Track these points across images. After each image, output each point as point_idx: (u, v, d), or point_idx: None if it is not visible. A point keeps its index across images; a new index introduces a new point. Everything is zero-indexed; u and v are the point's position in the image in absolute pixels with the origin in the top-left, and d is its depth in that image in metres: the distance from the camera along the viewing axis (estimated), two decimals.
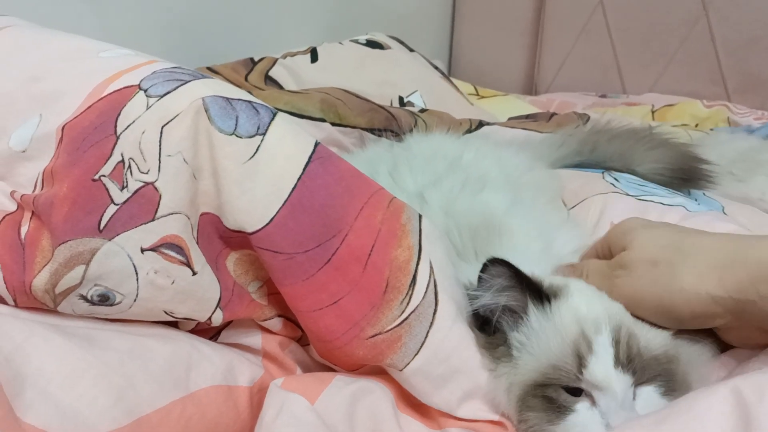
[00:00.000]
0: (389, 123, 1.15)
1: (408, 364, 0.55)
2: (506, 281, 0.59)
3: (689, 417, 0.44)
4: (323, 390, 0.56)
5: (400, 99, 1.42)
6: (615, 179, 0.99)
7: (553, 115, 1.39)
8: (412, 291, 0.56)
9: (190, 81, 0.57)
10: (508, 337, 0.59)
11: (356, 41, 1.55)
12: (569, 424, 0.55)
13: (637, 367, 0.56)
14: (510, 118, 1.41)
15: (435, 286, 0.57)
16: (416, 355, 0.55)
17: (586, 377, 0.55)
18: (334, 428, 0.54)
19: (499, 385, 0.58)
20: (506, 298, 0.60)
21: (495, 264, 0.59)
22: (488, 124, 1.25)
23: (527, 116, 1.41)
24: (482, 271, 0.59)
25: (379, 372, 0.60)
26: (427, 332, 0.56)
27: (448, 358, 0.56)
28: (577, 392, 0.56)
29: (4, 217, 0.57)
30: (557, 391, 0.56)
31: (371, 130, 1.13)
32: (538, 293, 0.60)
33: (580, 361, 0.56)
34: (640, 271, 0.60)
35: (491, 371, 0.59)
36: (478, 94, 1.89)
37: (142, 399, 0.52)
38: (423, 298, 0.56)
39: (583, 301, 0.60)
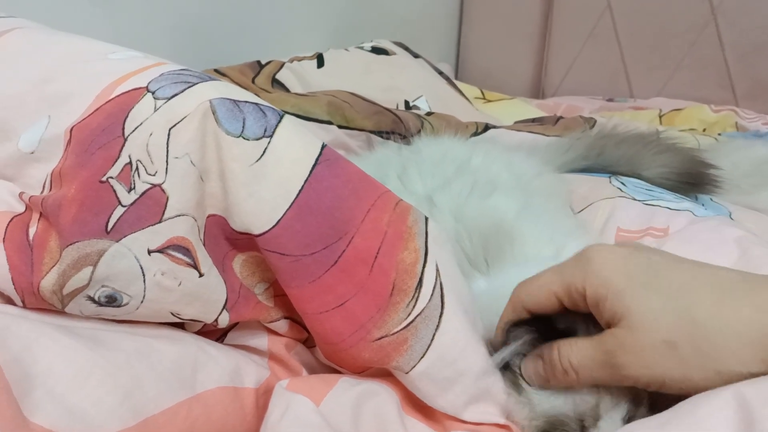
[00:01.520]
0: (396, 126, 1.15)
1: (414, 366, 0.55)
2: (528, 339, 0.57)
3: (692, 421, 0.44)
4: (328, 391, 0.56)
5: (406, 103, 1.43)
6: (622, 183, 0.99)
7: (559, 118, 1.39)
8: (419, 294, 0.56)
9: (197, 83, 0.57)
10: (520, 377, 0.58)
11: (361, 48, 1.56)
12: None
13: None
14: (516, 122, 1.41)
15: (441, 288, 0.57)
16: (422, 357, 0.55)
17: None
18: (339, 430, 0.54)
19: (520, 411, 0.58)
20: (526, 349, 0.58)
21: (517, 327, 0.57)
22: (494, 127, 1.25)
23: (533, 120, 1.42)
24: (504, 338, 0.58)
25: (384, 374, 0.60)
26: (434, 335, 0.56)
27: (454, 361, 0.56)
28: None
29: (12, 219, 0.57)
30: None
31: (378, 133, 1.13)
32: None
33: (583, 429, 0.55)
34: (655, 356, 0.49)
35: (509, 395, 0.58)
36: (484, 98, 1.89)
37: (149, 399, 0.52)
38: (429, 300, 0.56)
39: None
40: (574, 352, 0.53)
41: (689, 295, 0.49)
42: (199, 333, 0.62)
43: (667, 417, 0.46)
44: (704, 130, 1.65)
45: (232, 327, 0.64)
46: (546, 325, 0.57)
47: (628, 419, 0.54)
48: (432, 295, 0.57)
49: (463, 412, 0.56)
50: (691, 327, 0.48)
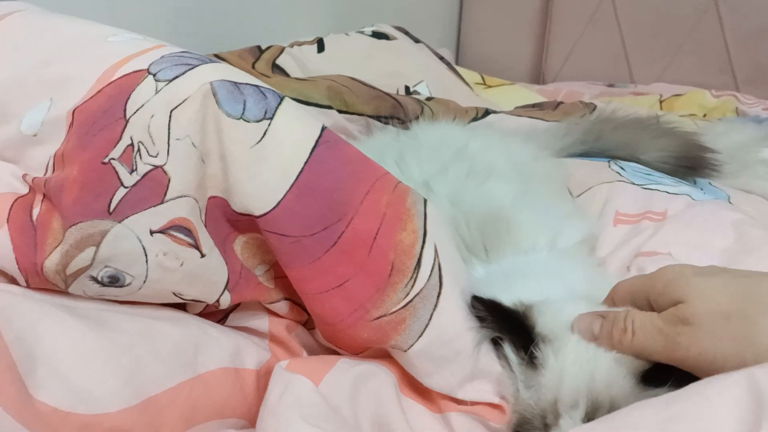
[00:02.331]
0: (396, 110, 1.15)
1: (412, 345, 0.56)
2: (492, 320, 0.59)
3: (700, 399, 0.44)
4: (328, 372, 0.57)
5: (407, 88, 1.43)
6: (621, 168, 0.99)
7: (559, 104, 1.39)
8: (417, 274, 0.57)
9: (198, 65, 0.58)
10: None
11: (362, 32, 1.55)
12: None
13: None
14: (516, 107, 1.41)
15: (439, 269, 0.58)
16: (420, 336, 0.56)
17: None
18: (338, 409, 0.55)
19: (509, 386, 0.59)
20: (489, 332, 0.59)
21: (481, 302, 0.58)
22: (494, 112, 1.25)
23: (533, 105, 1.41)
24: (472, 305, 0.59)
25: (382, 355, 0.61)
26: (431, 315, 0.57)
27: (451, 340, 0.57)
28: None
29: (16, 200, 0.58)
30: None
31: (377, 118, 1.13)
32: (522, 337, 0.58)
33: (546, 428, 0.56)
34: (710, 326, 0.50)
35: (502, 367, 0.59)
36: (485, 83, 1.89)
37: (151, 380, 0.53)
38: (427, 281, 0.57)
39: (571, 363, 0.56)
40: (640, 316, 0.55)
41: (750, 278, 0.52)
42: (201, 314, 0.63)
43: (676, 395, 0.45)
44: (704, 115, 1.65)
45: (233, 309, 0.65)
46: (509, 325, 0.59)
47: (587, 420, 0.54)
48: (430, 275, 0.57)
49: (458, 390, 0.57)
50: (745, 301, 0.49)
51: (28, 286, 0.56)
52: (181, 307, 0.61)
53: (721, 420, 0.42)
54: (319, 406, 0.54)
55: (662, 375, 0.53)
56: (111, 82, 0.58)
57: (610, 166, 1.00)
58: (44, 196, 0.57)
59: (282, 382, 0.55)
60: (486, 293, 0.60)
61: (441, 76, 1.57)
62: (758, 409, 0.42)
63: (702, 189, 0.97)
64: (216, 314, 0.63)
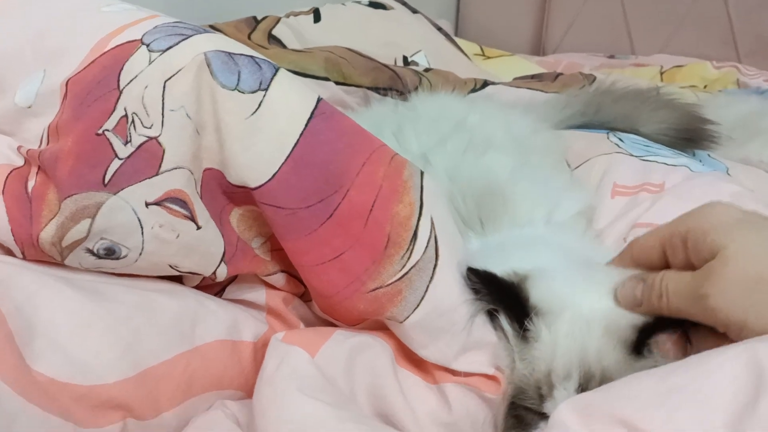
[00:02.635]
0: (394, 82, 1.14)
1: (408, 317, 0.56)
2: (487, 293, 0.59)
3: (699, 371, 0.44)
4: (323, 343, 0.57)
5: (404, 59, 1.42)
6: (619, 139, 0.99)
7: (558, 75, 1.38)
8: (413, 246, 0.57)
9: (192, 35, 0.57)
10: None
11: (358, 2, 1.53)
12: None
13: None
14: (515, 78, 1.40)
15: (436, 241, 0.58)
16: (416, 308, 0.56)
17: (546, 409, 0.56)
18: (334, 381, 0.56)
19: (504, 357, 0.59)
20: (485, 304, 0.59)
21: (475, 274, 0.59)
22: (493, 83, 1.25)
23: (532, 76, 1.41)
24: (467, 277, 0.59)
25: (378, 327, 0.61)
26: (427, 286, 0.57)
27: (447, 312, 0.57)
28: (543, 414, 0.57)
29: (11, 172, 0.58)
30: (524, 410, 0.58)
31: (375, 90, 1.12)
32: (517, 309, 0.59)
33: (541, 398, 0.57)
34: (743, 290, 0.48)
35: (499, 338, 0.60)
36: (484, 55, 1.87)
37: (149, 352, 0.53)
38: (423, 253, 0.57)
39: (564, 335, 0.57)
40: (674, 279, 0.54)
41: None
42: (198, 287, 0.63)
43: (675, 366, 0.46)
44: (705, 87, 1.64)
45: (230, 282, 0.65)
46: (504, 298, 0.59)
47: (581, 390, 0.55)
48: (426, 247, 0.57)
49: (453, 361, 0.57)
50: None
51: (25, 258, 0.56)
52: (178, 280, 0.61)
53: (721, 393, 0.42)
54: (315, 378, 0.54)
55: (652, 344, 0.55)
56: (104, 53, 0.57)
57: (608, 138, 0.99)
58: (39, 168, 0.57)
59: (278, 353, 0.55)
60: (481, 265, 0.60)
61: (439, 46, 1.56)
62: (758, 383, 0.42)
63: (701, 161, 0.96)
64: (213, 287, 0.64)
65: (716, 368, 0.43)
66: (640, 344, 0.56)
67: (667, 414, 0.42)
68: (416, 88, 1.14)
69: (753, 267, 0.48)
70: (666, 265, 0.57)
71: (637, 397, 0.44)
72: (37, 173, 0.57)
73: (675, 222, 0.56)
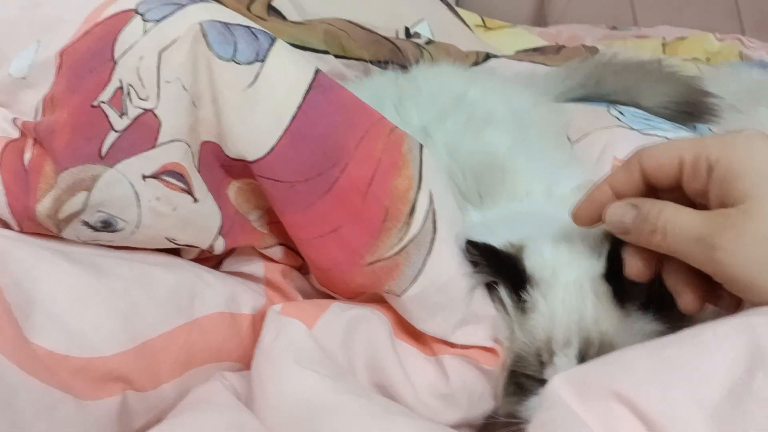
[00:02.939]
0: (394, 55, 1.13)
1: (405, 290, 0.56)
2: (486, 265, 0.59)
3: (695, 345, 0.44)
4: (321, 316, 0.58)
5: (406, 30, 1.40)
6: (620, 113, 0.98)
7: (561, 48, 1.37)
8: (411, 220, 0.57)
9: (187, 5, 0.56)
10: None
11: None
12: (531, 403, 0.58)
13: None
14: (518, 51, 1.39)
15: (434, 215, 0.58)
16: (414, 282, 0.56)
17: (547, 376, 0.57)
18: (332, 353, 0.56)
19: (503, 329, 0.60)
20: (484, 277, 0.59)
21: (474, 246, 0.59)
22: (495, 56, 1.23)
23: (535, 49, 1.39)
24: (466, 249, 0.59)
25: (376, 299, 0.62)
26: (425, 260, 0.57)
27: (444, 285, 0.57)
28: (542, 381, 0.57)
29: (7, 144, 0.57)
30: (525, 378, 0.59)
31: (376, 63, 1.11)
32: (515, 280, 0.59)
33: (541, 365, 0.58)
34: (758, 249, 0.44)
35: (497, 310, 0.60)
36: (485, 26, 1.85)
37: (147, 324, 0.53)
38: (422, 227, 0.57)
39: (560, 302, 0.57)
40: (679, 220, 0.49)
41: None
42: (196, 260, 0.63)
43: (671, 340, 0.45)
44: (708, 59, 1.62)
45: (228, 254, 0.65)
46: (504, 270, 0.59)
47: (581, 358, 0.56)
48: (424, 221, 0.57)
49: (451, 335, 0.58)
50: None
51: (22, 231, 0.56)
52: (176, 252, 0.61)
53: (717, 371, 0.42)
54: (313, 350, 0.54)
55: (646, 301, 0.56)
56: (98, 23, 0.56)
57: (609, 111, 0.98)
58: (35, 140, 0.57)
59: (275, 325, 0.55)
60: (480, 238, 0.60)
61: (441, 17, 1.54)
62: (754, 359, 0.41)
63: (701, 135, 0.96)
64: (210, 260, 0.64)
65: (713, 345, 0.43)
66: (619, 296, 0.57)
67: (662, 388, 0.42)
68: (417, 62, 1.13)
69: None
70: (673, 187, 0.52)
71: (633, 372, 0.44)
72: (33, 146, 0.57)
73: (703, 143, 0.49)
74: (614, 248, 0.57)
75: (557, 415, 0.43)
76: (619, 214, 0.53)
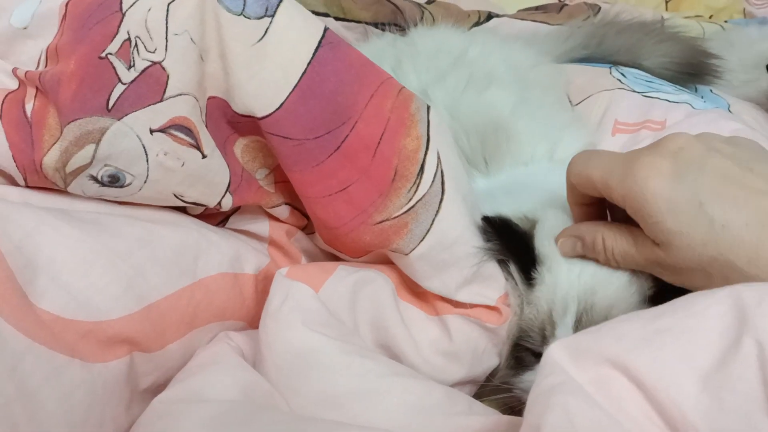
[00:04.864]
0: (394, 16, 1.12)
1: (413, 249, 0.57)
2: (499, 242, 0.60)
3: (686, 314, 0.45)
4: (327, 279, 0.58)
5: None
6: (622, 74, 0.98)
7: (563, 5, 1.35)
8: (420, 180, 0.57)
9: None
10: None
11: None
12: (527, 376, 0.60)
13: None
14: (520, 10, 1.37)
15: (442, 175, 0.58)
16: (422, 241, 0.57)
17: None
18: (338, 315, 0.57)
19: (515, 297, 0.61)
20: (498, 254, 0.60)
21: (490, 223, 0.60)
22: (497, 15, 1.22)
23: (537, 8, 1.37)
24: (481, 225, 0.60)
25: (380, 261, 0.62)
26: (433, 220, 0.57)
27: (451, 245, 0.57)
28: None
29: (6, 95, 0.56)
30: (525, 351, 0.60)
31: (375, 25, 1.10)
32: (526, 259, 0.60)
33: (543, 339, 0.59)
34: (692, 277, 0.51)
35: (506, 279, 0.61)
36: None
37: (152, 287, 0.53)
38: (430, 187, 0.57)
39: (563, 274, 0.59)
40: (617, 244, 0.55)
41: (729, 232, 0.48)
42: (200, 217, 0.62)
43: (662, 309, 0.47)
44: (711, 16, 1.60)
45: (233, 211, 0.65)
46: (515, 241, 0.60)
47: (576, 327, 0.58)
48: (433, 181, 0.57)
49: (455, 293, 0.58)
50: (728, 269, 0.49)
51: (27, 185, 0.55)
52: (181, 209, 0.61)
53: (706, 333, 0.43)
54: (320, 312, 0.55)
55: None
56: None
57: (611, 73, 0.98)
58: (37, 90, 0.55)
59: (283, 289, 0.55)
60: (489, 209, 0.61)
61: None
62: (740, 325, 0.43)
63: (702, 97, 0.96)
64: (216, 216, 0.63)
65: (702, 310, 0.44)
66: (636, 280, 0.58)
67: (654, 353, 0.43)
68: (417, 23, 1.11)
69: (699, 250, 0.49)
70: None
71: (626, 338, 0.45)
72: (35, 96, 0.55)
73: (609, 168, 0.53)
74: None
75: (557, 380, 0.44)
76: (570, 247, 0.59)
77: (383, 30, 1.08)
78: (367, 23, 1.08)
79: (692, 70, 1.00)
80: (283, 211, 0.63)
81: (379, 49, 0.93)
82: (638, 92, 0.92)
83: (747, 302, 0.44)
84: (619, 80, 0.96)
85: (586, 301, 0.58)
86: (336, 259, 0.64)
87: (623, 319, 0.48)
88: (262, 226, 0.64)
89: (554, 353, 0.45)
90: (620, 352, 0.44)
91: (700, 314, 0.45)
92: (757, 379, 0.41)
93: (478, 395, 0.63)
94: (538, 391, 0.44)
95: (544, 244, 0.60)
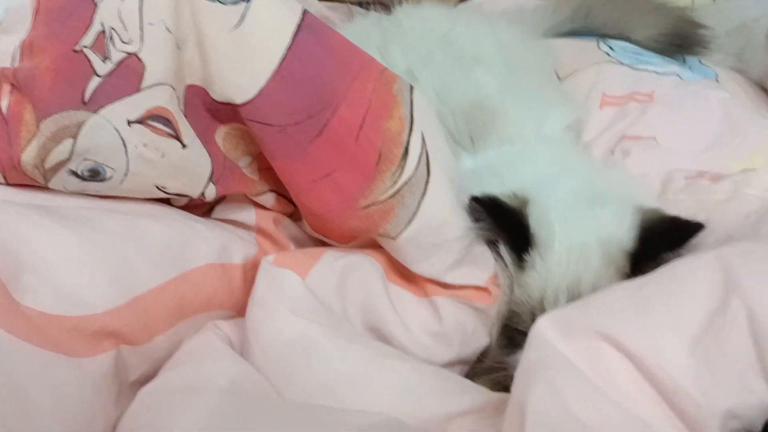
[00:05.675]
0: None
1: (400, 233, 0.56)
2: (490, 221, 0.59)
3: (672, 280, 0.45)
4: (314, 265, 0.58)
5: None
6: (610, 48, 0.97)
7: None
8: (405, 162, 0.56)
9: None
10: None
11: None
12: (519, 355, 0.58)
13: None
14: None
15: (427, 157, 0.57)
16: (408, 224, 0.56)
17: None
18: (326, 301, 0.56)
19: (505, 278, 0.61)
20: (488, 234, 0.60)
21: (479, 202, 0.59)
22: None
23: None
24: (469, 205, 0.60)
25: (369, 245, 0.62)
26: (419, 203, 0.56)
27: (439, 227, 0.57)
28: None
29: None
30: (516, 332, 0.60)
31: (360, 4, 1.08)
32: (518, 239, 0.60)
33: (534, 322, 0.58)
34: None
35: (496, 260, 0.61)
36: None
37: (138, 279, 0.53)
38: (415, 169, 0.56)
39: (554, 265, 0.59)
40: None
41: None
42: (186, 208, 0.62)
43: (648, 277, 0.47)
44: None
45: (219, 201, 0.64)
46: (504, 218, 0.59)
47: None
48: (418, 163, 0.57)
49: (444, 275, 0.58)
50: None
51: (7, 183, 0.55)
52: (165, 201, 0.60)
53: (693, 298, 0.43)
54: (306, 298, 0.54)
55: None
56: None
57: (599, 46, 0.97)
58: (12, 86, 0.55)
59: (268, 276, 0.55)
60: (476, 188, 0.60)
61: None
62: (727, 286, 0.43)
63: (691, 68, 0.95)
64: (201, 207, 0.63)
65: (689, 278, 0.44)
66: (633, 271, 0.58)
67: (641, 322, 0.43)
68: (401, 2, 1.10)
69: None
70: None
71: (614, 310, 0.45)
72: (10, 92, 0.55)
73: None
74: (649, 229, 0.58)
75: (544, 354, 0.44)
76: None
77: (368, 9, 1.07)
78: (351, 3, 1.07)
79: (680, 41, 0.99)
80: (268, 199, 0.63)
81: (364, 29, 0.91)
82: (626, 65, 0.91)
83: (732, 261, 0.44)
84: (607, 53, 0.95)
85: (580, 295, 0.57)
86: (325, 245, 0.64)
87: (611, 291, 0.48)
88: (249, 215, 0.64)
89: (542, 327, 0.45)
90: (608, 323, 0.44)
91: (686, 279, 0.45)
92: (747, 340, 0.41)
93: (472, 375, 0.62)
94: (524, 366, 0.44)
95: (540, 225, 0.60)
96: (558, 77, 0.94)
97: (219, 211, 0.64)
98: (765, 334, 0.41)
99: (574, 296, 0.57)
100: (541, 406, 0.41)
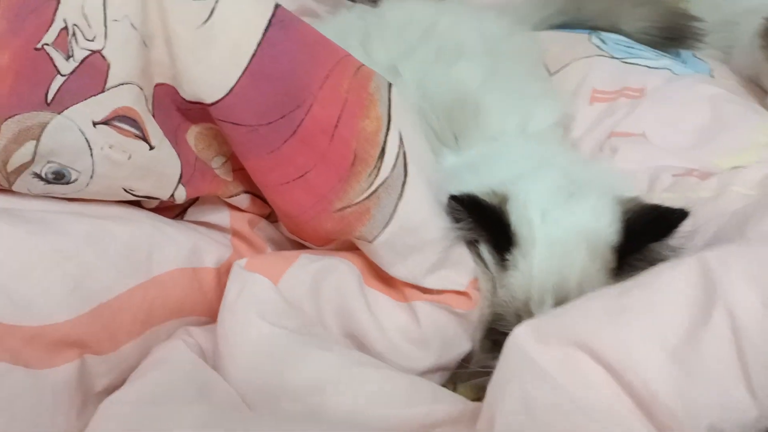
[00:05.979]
0: None
1: (377, 236, 0.55)
2: (469, 220, 0.58)
3: (652, 288, 0.44)
4: (287, 269, 0.56)
5: None
6: (601, 41, 0.95)
7: None
8: (381, 163, 0.55)
9: None
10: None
11: None
12: None
13: None
14: None
15: (404, 157, 0.55)
16: (385, 227, 0.55)
17: None
18: (299, 304, 0.55)
19: (485, 282, 0.59)
20: (468, 234, 0.59)
21: (458, 200, 0.57)
22: None
23: None
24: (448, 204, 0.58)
25: (347, 247, 0.60)
26: (396, 204, 0.55)
27: (416, 229, 0.55)
28: None
29: None
30: (501, 335, 0.57)
31: None
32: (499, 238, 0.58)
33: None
34: None
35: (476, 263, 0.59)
36: None
37: (102, 286, 0.51)
38: (392, 170, 0.55)
39: (537, 264, 0.57)
40: None
41: None
42: (157, 210, 0.60)
43: (629, 285, 0.45)
44: None
45: (192, 203, 0.62)
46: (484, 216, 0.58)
47: None
48: (395, 164, 0.55)
49: (423, 279, 0.56)
50: None
51: None
52: (135, 203, 0.58)
53: (673, 307, 0.42)
54: (277, 304, 0.53)
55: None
56: None
57: (590, 40, 0.95)
58: None
59: (239, 281, 0.54)
60: (456, 186, 0.59)
61: None
62: (708, 293, 0.42)
63: (684, 62, 0.93)
64: (173, 209, 0.61)
65: (668, 282, 0.43)
66: (620, 265, 0.56)
67: (619, 331, 0.42)
68: None
69: None
70: None
71: (592, 318, 0.44)
72: None
73: None
74: (632, 220, 0.57)
75: (518, 363, 0.43)
76: None
77: (354, 1, 1.05)
78: None
79: (673, 34, 0.97)
80: (243, 200, 0.61)
81: (347, 23, 0.90)
82: (618, 58, 0.90)
83: (713, 267, 0.43)
84: (598, 47, 0.93)
85: (567, 294, 0.56)
86: (303, 247, 0.62)
87: (590, 298, 0.46)
88: (223, 217, 0.62)
89: (518, 335, 0.44)
90: (585, 332, 0.42)
91: (666, 287, 0.43)
92: (730, 351, 0.40)
93: (456, 380, 0.61)
94: (498, 375, 0.43)
95: (521, 223, 0.58)
96: (548, 71, 0.92)
97: (192, 213, 0.62)
98: (749, 346, 0.40)
99: (560, 295, 0.56)
100: (511, 417, 0.40)
